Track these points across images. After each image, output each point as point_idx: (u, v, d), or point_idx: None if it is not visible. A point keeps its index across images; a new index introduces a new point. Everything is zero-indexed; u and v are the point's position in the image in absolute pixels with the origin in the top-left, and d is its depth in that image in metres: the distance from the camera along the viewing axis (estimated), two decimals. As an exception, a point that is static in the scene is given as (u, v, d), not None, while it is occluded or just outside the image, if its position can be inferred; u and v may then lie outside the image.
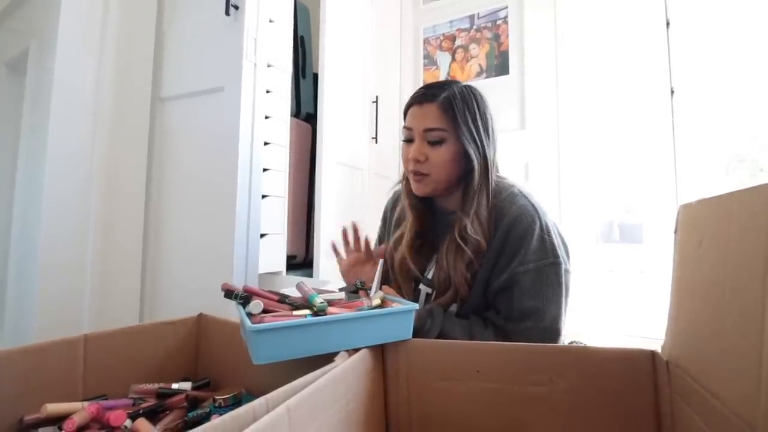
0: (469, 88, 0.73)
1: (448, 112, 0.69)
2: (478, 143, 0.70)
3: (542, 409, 0.47)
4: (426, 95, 0.71)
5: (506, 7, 1.92)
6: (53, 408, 0.50)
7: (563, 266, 0.67)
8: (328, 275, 1.38)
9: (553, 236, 0.68)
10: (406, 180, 0.79)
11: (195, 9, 1.27)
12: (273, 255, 1.29)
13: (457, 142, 0.69)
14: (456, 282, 0.69)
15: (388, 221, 0.89)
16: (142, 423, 0.49)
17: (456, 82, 0.73)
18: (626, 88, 1.65)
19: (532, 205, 0.69)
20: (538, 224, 0.67)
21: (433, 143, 0.70)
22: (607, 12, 1.71)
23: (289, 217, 1.40)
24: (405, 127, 0.74)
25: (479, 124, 0.70)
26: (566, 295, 0.67)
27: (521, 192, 0.72)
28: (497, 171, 0.76)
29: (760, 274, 0.28)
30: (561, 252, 0.67)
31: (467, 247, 0.68)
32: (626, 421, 0.44)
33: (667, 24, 1.57)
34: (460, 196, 0.72)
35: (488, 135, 0.72)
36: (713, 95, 1.50)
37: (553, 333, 0.66)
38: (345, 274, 0.83)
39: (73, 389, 0.57)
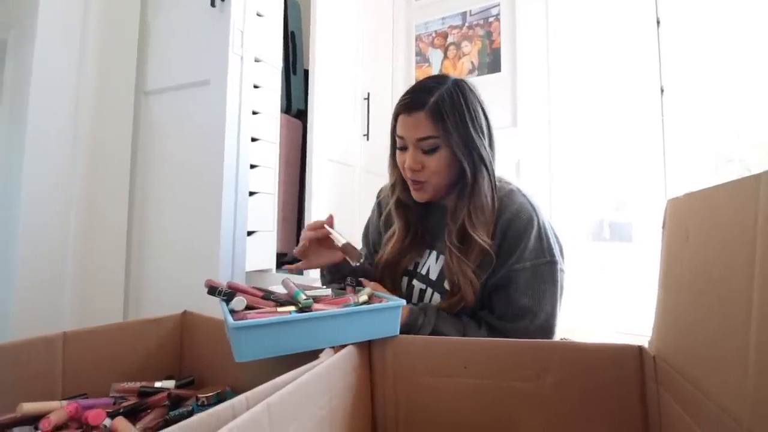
0: (458, 85, 0.69)
1: (437, 119, 0.66)
2: (471, 147, 0.68)
3: (530, 405, 0.47)
4: (413, 102, 0.68)
5: (498, 5, 1.92)
6: (29, 407, 0.48)
7: (559, 265, 0.67)
8: (318, 273, 1.37)
9: (550, 236, 0.68)
10: (395, 185, 0.77)
11: None
12: (262, 252, 1.28)
13: (450, 148, 0.67)
14: (462, 286, 0.67)
15: (383, 207, 0.85)
16: (120, 422, 0.47)
17: (444, 80, 0.70)
18: (617, 86, 1.66)
19: (531, 204, 0.69)
20: (536, 223, 0.66)
21: (428, 151, 0.68)
22: (598, 10, 1.72)
23: (280, 215, 1.38)
24: (398, 136, 0.71)
25: (469, 125, 0.67)
26: (561, 295, 0.67)
27: (520, 190, 0.71)
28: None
29: (745, 267, 0.27)
30: (557, 252, 0.67)
31: (468, 249, 0.66)
32: (613, 416, 0.44)
33: (658, 23, 1.58)
34: (455, 198, 0.70)
35: (481, 133, 0.69)
36: (703, 95, 1.52)
37: (548, 331, 0.66)
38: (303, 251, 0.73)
39: (52, 388, 0.55)
